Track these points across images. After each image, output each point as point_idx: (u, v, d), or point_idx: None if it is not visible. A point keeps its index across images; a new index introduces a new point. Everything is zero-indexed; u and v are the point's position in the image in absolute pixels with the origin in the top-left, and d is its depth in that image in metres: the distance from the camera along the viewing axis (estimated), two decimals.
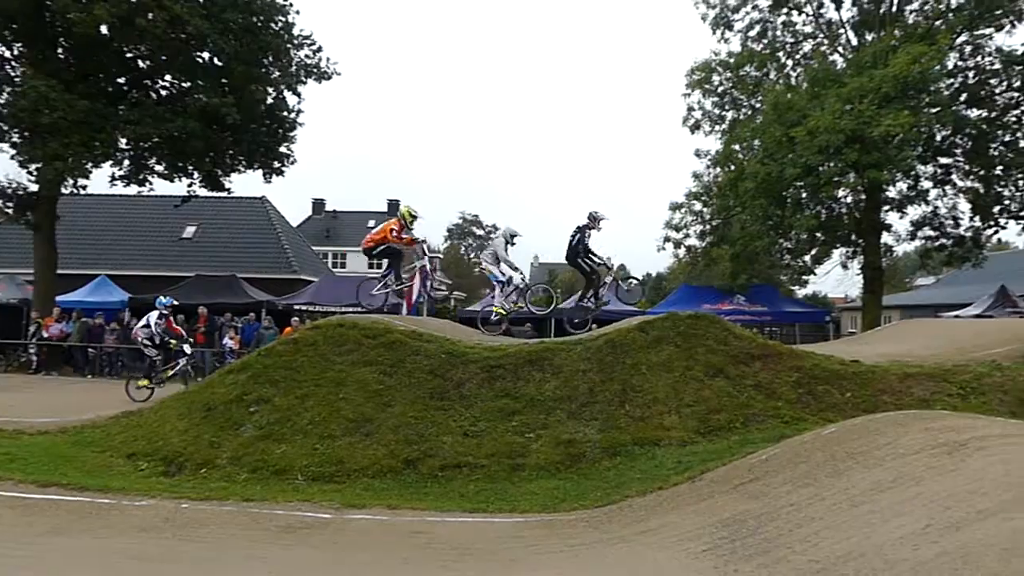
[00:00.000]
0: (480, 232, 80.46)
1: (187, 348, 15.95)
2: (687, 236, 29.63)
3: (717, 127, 29.76)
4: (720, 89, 29.19)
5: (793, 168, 22.23)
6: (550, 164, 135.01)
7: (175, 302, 16.55)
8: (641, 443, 9.28)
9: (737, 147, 27.16)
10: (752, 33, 28.42)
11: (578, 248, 13.08)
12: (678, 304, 25.75)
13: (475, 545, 6.52)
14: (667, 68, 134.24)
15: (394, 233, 12.97)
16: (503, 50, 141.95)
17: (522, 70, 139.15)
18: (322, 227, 58.07)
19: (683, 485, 7.55)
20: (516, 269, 13.78)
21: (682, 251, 30.24)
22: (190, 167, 24.56)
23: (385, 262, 13.53)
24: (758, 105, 27.63)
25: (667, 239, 29.56)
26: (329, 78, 25.65)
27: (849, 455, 6.28)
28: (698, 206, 29.39)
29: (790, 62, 28.57)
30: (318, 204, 61.32)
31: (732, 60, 28.19)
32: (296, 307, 25.22)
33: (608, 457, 9.15)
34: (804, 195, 23.95)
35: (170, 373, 15.66)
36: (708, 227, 29.45)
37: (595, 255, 13.33)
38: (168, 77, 23.86)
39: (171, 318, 16.28)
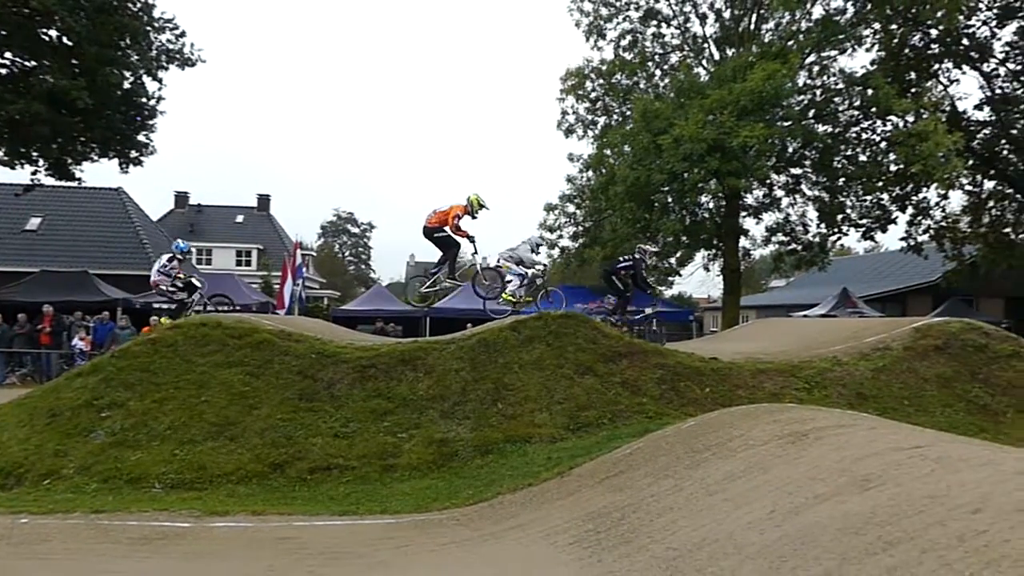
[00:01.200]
0: (355, 230, 78.93)
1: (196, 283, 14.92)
2: (561, 237, 30.40)
3: (590, 132, 30.72)
4: (593, 95, 30.13)
5: (660, 174, 23.27)
6: (427, 164, 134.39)
7: (191, 249, 15.54)
8: (513, 441, 9.42)
9: (608, 152, 28.13)
10: (624, 43, 29.55)
11: (623, 271, 14.74)
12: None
13: (344, 548, 6.41)
14: (546, 72, 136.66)
15: (457, 219, 12.39)
16: (381, 49, 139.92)
17: (400, 70, 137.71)
18: (185, 221, 55.15)
19: (552, 481, 7.72)
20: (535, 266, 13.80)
21: (556, 252, 30.97)
22: (34, 153, 22.68)
23: (439, 255, 13.04)
24: (628, 112, 28.70)
25: (542, 239, 30.14)
26: (193, 65, 24.45)
27: (706, 447, 6.64)
28: (571, 208, 30.22)
29: (659, 72, 29.89)
30: (181, 197, 58.17)
31: (604, 68, 29.17)
32: (156, 305, 23.85)
33: (480, 455, 9.23)
34: (670, 200, 25.12)
35: (191, 313, 14.36)
36: (581, 229, 30.31)
37: (646, 283, 14.97)
38: (8, 55, 21.94)
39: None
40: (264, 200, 59.86)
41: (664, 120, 23.95)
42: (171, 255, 14.59)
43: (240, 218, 57.55)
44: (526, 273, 13.43)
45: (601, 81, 29.62)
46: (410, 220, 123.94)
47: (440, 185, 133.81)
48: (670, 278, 33.69)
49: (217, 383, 9.86)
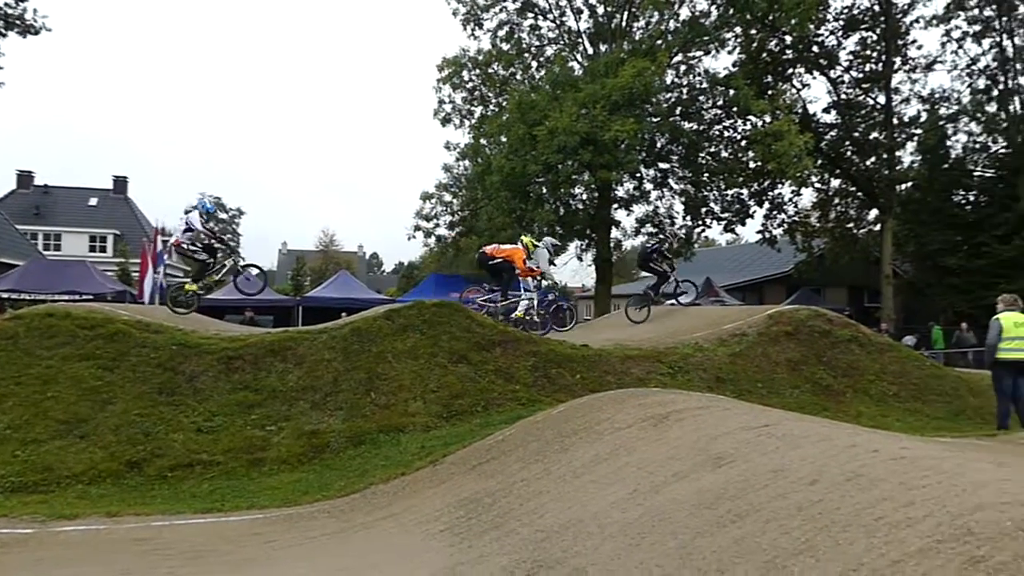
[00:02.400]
0: (223, 215, 75.44)
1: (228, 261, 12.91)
2: (437, 226, 30.33)
3: (467, 121, 30.74)
4: (470, 85, 30.16)
5: (535, 165, 23.63)
6: (302, 149, 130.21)
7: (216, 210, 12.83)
8: (386, 430, 9.34)
9: (485, 142, 28.26)
10: (501, 33, 29.74)
11: (651, 256, 15.70)
12: (428, 293, 26.24)
13: (207, 547, 6.16)
14: (424, 59, 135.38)
15: (524, 263, 13.58)
16: (253, 28, 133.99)
17: (274, 51, 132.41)
18: (30, 203, 50.79)
19: (425, 469, 7.73)
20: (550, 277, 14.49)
21: (432, 240, 30.88)
22: None
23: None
24: (505, 103, 28.94)
25: (418, 228, 30.03)
26: (36, 33, 22.54)
27: (574, 431, 6.84)
28: (448, 197, 30.20)
29: (535, 64, 30.29)
30: (25, 177, 53.39)
31: (481, 58, 29.25)
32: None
33: (353, 446, 9.10)
34: (545, 191, 25.58)
35: (216, 277, 13.25)
36: (457, 218, 30.34)
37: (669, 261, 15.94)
38: None
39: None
40: (121, 182, 55.97)
41: (539, 112, 24.32)
42: (199, 212, 12.63)
43: (94, 201, 53.60)
44: (542, 290, 14.32)
45: (478, 71, 29.72)
46: (283, 206, 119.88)
47: (315, 172, 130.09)
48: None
49: (66, 378, 9.19)
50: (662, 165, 28.51)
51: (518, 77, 29.95)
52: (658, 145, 27.30)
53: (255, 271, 14.03)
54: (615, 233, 29.90)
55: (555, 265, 14.58)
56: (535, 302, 14.04)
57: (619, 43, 27.45)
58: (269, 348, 10.31)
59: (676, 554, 3.96)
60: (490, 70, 29.31)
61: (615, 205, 28.72)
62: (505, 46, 29.49)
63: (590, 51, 29.27)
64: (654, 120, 25.48)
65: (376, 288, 45.99)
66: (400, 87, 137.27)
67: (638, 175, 27.69)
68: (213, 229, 12.71)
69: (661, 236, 16.11)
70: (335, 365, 10.17)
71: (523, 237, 14.30)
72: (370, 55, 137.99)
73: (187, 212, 13.20)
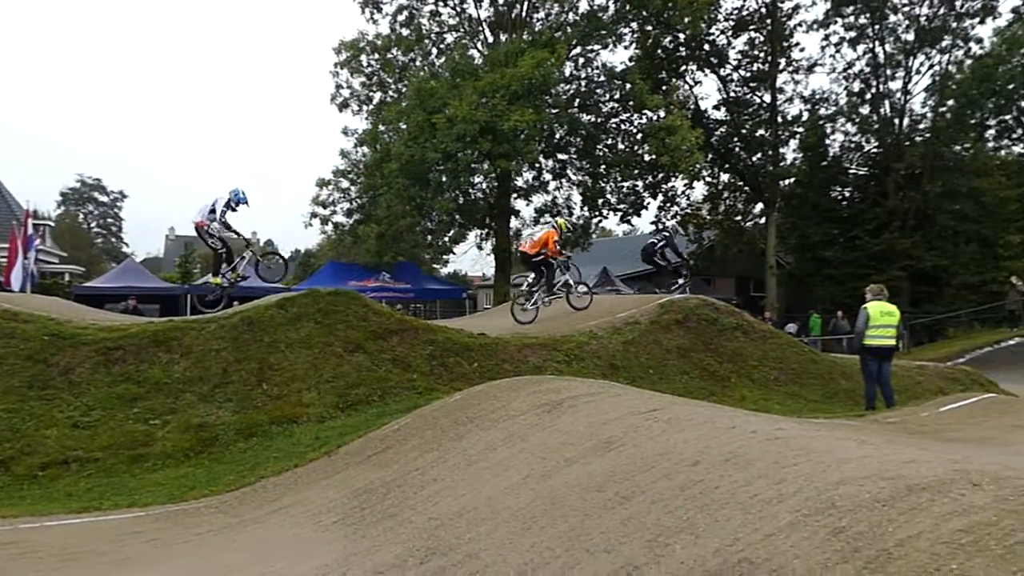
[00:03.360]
0: (103, 198, 71.22)
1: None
2: (334, 213, 29.72)
3: (365, 107, 30.20)
4: (368, 70, 29.62)
5: (434, 153, 23.48)
6: (191, 131, 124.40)
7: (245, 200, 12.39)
8: (279, 422, 9.12)
9: (383, 128, 27.85)
10: (400, 18, 29.34)
11: (658, 249, 15.84)
12: (325, 281, 25.69)
13: (82, 548, 5.83)
14: (319, 42, 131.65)
15: (556, 244, 13.83)
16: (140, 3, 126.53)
17: (160, 29, 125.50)
18: None
19: (319, 460, 7.60)
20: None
21: (329, 228, 30.25)
22: None
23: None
24: (404, 89, 28.59)
25: (314, 215, 29.35)
26: None
27: (470, 419, 6.88)
28: (345, 184, 29.63)
29: (435, 51, 30.06)
30: None
31: (380, 42, 28.77)
32: None
33: (243, 439, 8.84)
34: (444, 179, 25.45)
35: (239, 271, 12.71)
36: (355, 205, 29.82)
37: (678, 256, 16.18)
38: None
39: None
40: None
41: (439, 99, 24.17)
42: (228, 200, 12.14)
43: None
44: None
45: (377, 56, 29.20)
46: (170, 191, 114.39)
47: (204, 155, 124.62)
48: (444, 256, 34.25)
49: None
50: (561, 156, 28.90)
51: (418, 63, 29.64)
52: (557, 136, 27.64)
53: (277, 259, 14.33)
54: (514, 223, 30.17)
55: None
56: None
57: (519, 33, 27.60)
58: (153, 338, 9.84)
59: (566, 536, 4.06)
60: (389, 55, 28.86)
61: (514, 195, 28.94)
62: (404, 31, 29.11)
63: (490, 40, 29.29)
64: (553, 111, 25.79)
65: None
66: (296, 69, 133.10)
67: (537, 165, 27.99)
68: (227, 222, 12.21)
69: (667, 233, 16.29)
70: (224, 355, 9.83)
71: (558, 219, 14.97)
72: (263, 35, 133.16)
73: (216, 199, 12.47)
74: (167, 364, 9.56)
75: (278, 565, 5.03)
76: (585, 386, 7.04)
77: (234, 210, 12.26)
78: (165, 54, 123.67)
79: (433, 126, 23.66)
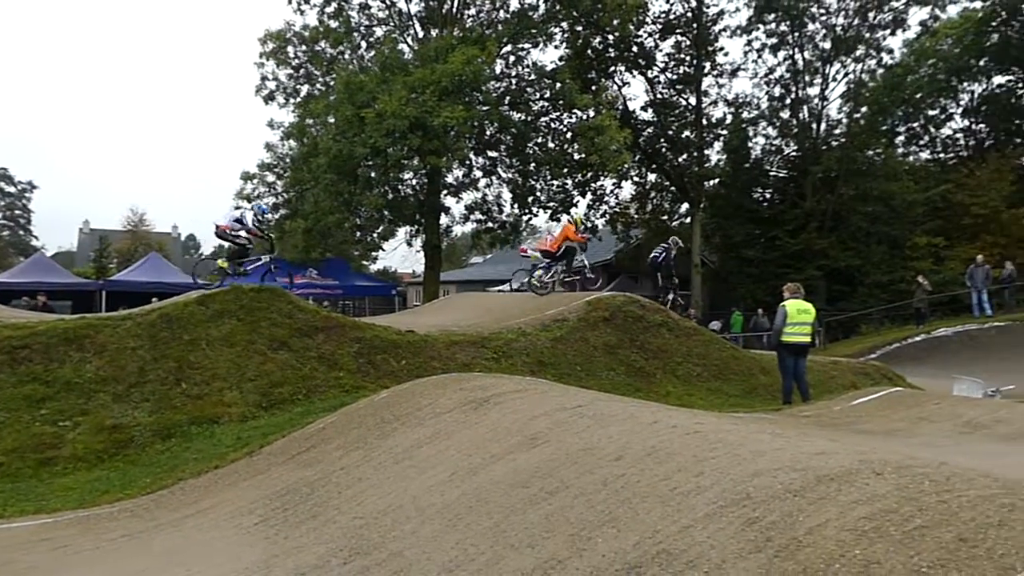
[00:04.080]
0: (10, 189, 67.54)
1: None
2: None
3: (292, 100, 29.58)
4: (296, 62, 29.01)
5: (363, 148, 23.15)
6: (107, 121, 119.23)
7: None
8: (199, 422, 8.86)
9: (311, 122, 27.31)
10: (329, 9, 28.81)
11: (660, 262, 16.53)
12: (249, 277, 25.01)
13: None
14: (243, 31, 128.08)
15: (577, 233, 15.49)
16: None
17: (67, 13, 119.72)
18: None
19: (241, 461, 7.42)
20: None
21: None
22: None
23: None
24: (332, 82, 28.11)
25: (238, 209, 28.57)
26: None
27: (396, 417, 6.83)
28: (271, 178, 28.97)
29: (364, 44, 29.62)
30: None
31: (308, 34, 28.20)
32: None
33: (161, 440, 8.55)
34: (373, 175, 25.13)
35: (249, 268, 13.34)
36: (281, 200, 29.18)
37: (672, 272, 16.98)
38: None
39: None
40: None
41: (368, 94, 23.83)
42: (255, 215, 13.22)
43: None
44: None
45: (304, 48, 28.61)
46: (84, 183, 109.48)
47: (122, 146, 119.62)
48: (373, 253, 33.87)
49: None
50: (491, 153, 28.91)
51: (346, 56, 29.14)
52: (487, 133, 27.63)
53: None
54: (444, 219, 30.04)
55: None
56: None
57: (450, 29, 27.46)
58: (63, 336, 9.41)
59: (491, 532, 4.08)
60: (317, 48, 28.30)
61: (444, 191, 28.81)
62: (333, 23, 28.57)
63: (421, 35, 29.06)
64: (483, 108, 25.76)
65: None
66: (219, 59, 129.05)
67: (468, 162, 27.93)
68: (262, 229, 13.42)
69: (667, 245, 17.13)
70: (141, 354, 9.48)
71: (575, 215, 16.40)
72: (184, 23, 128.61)
73: (242, 209, 13.88)
74: (79, 363, 9.16)
75: (195, 569, 4.89)
76: (512, 383, 7.07)
77: (260, 221, 13.35)
78: (79, 40, 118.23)
79: (362, 120, 23.31)
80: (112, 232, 47.47)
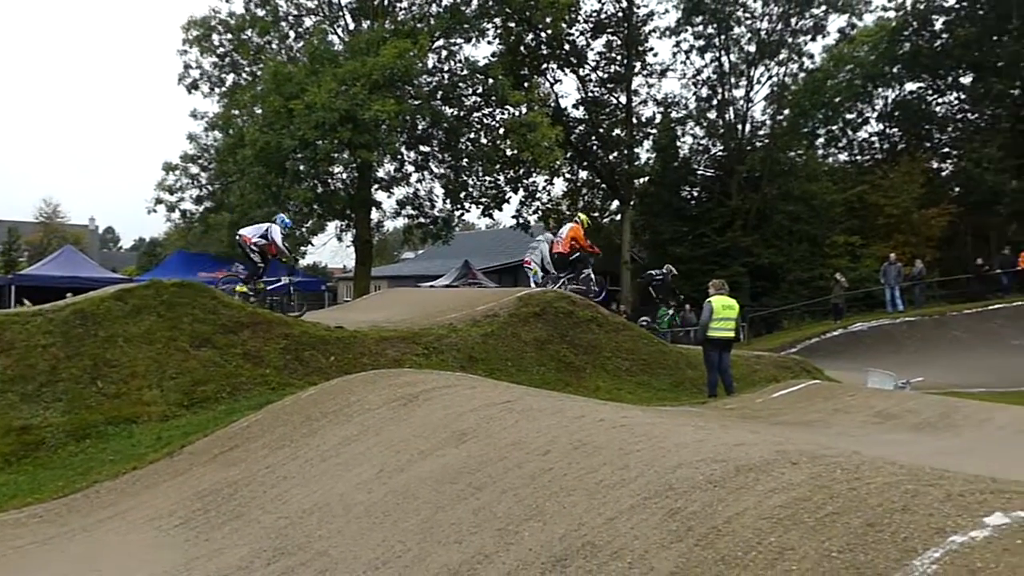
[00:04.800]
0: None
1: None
2: (182, 200, 28.11)
3: (217, 89, 28.74)
4: (220, 50, 28.18)
5: (291, 140, 22.65)
6: (13, 110, 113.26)
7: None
8: (116, 422, 8.52)
9: (237, 112, 26.57)
10: None
11: (659, 283, 18.66)
12: (172, 272, 24.23)
13: None
14: (164, 15, 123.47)
15: (586, 239, 15.47)
16: None
17: None
18: None
19: (161, 462, 7.17)
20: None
21: (177, 215, 28.57)
22: None
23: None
24: (259, 72, 27.41)
25: (159, 201, 27.63)
26: None
27: (323, 414, 6.72)
28: (195, 169, 28.08)
29: (292, 34, 28.96)
30: None
31: (234, 22, 27.42)
32: None
33: (75, 441, 8.19)
34: (302, 168, 24.63)
35: (268, 287, 13.84)
36: (205, 192, 28.34)
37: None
38: None
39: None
40: None
41: (296, 85, 23.30)
42: (280, 230, 13.55)
43: None
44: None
45: (230, 36, 27.77)
46: None
47: (34, 134, 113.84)
48: (303, 247, 33.22)
49: None
50: (423, 148, 28.69)
51: (274, 46, 28.44)
52: (419, 128, 27.40)
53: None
54: (375, 214, 29.69)
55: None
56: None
57: (381, 22, 27.07)
58: None
59: (418, 529, 4.06)
60: (243, 36, 27.50)
61: (375, 186, 28.45)
62: (260, 11, 27.81)
63: (351, 27, 28.57)
64: (415, 103, 25.54)
65: (111, 266, 41.63)
66: (139, 45, 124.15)
67: (399, 157, 27.66)
68: (285, 246, 13.78)
69: (664, 271, 19.01)
70: (53, 351, 9.05)
71: (580, 215, 16.40)
72: (101, 5, 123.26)
73: (269, 223, 13.97)
74: None
75: (109, 575, 4.71)
76: (442, 379, 7.05)
77: (283, 234, 13.80)
78: None
79: (290, 112, 22.78)
80: (22, 224, 45.19)
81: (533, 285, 15.58)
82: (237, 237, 13.48)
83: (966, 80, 34.36)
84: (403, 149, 27.26)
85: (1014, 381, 16.14)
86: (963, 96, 34.83)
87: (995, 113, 32.47)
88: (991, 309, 22.41)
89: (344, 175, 27.58)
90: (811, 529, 2.77)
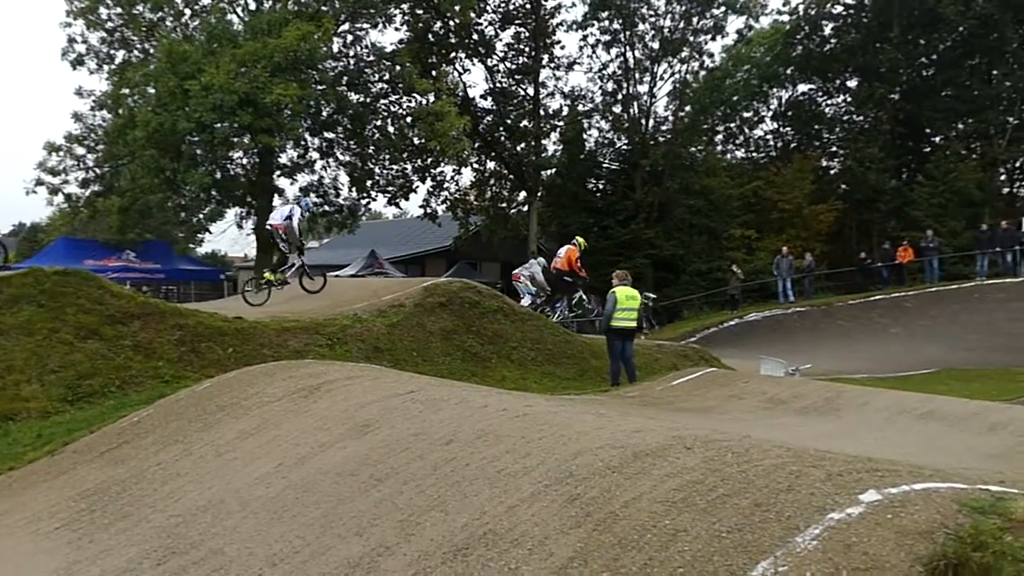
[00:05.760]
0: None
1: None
2: (66, 183, 26.47)
3: (106, 66, 27.16)
4: (109, 25, 26.63)
5: (187, 122, 21.65)
6: None
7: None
8: None
9: (128, 91, 25.17)
10: None
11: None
12: (56, 259, 22.78)
13: None
14: None
15: (578, 262, 16.32)
16: None
17: None
18: None
19: (41, 461, 6.75)
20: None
21: (60, 199, 26.89)
22: None
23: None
24: (152, 50, 26.06)
25: (40, 183, 25.94)
26: None
27: (220, 408, 6.48)
28: (81, 150, 26.48)
29: (188, 11, 27.62)
30: None
31: None
32: None
33: None
34: (199, 152, 23.60)
35: (287, 275, 14.00)
36: (93, 175, 26.78)
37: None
38: None
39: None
40: None
41: (193, 65, 22.23)
42: (303, 210, 14.19)
43: None
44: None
45: (120, 10, 26.22)
46: None
47: None
48: (200, 235, 31.95)
49: None
50: (328, 135, 27.97)
51: (168, 23, 27.04)
52: (324, 114, 26.71)
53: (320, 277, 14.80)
54: (278, 201, 28.80)
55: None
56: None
57: (283, 2, 26.23)
58: None
59: (318, 523, 3.98)
60: (135, 11, 26.02)
61: (278, 172, 27.60)
62: None
63: (252, 6, 27.50)
64: (320, 88, 24.87)
65: None
66: (14, 12, 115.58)
67: (303, 143, 26.91)
68: (302, 228, 14.04)
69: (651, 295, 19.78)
70: None
71: (578, 238, 17.12)
72: None
73: (293, 204, 14.45)
74: None
75: None
76: (345, 370, 6.92)
77: (303, 218, 14.07)
78: None
79: (186, 93, 21.74)
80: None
81: (527, 299, 16.02)
82: (268, 227, 13.96)
83: (852, 83, 36.41)
84: (307, 135, 26.52)
85: (892, 367, 17.27)
86: (849, 99, 36.88)
87: (877, 116, 34.52)
88: (872, 300, 23.81)
89: (244, 160, 26.62)
90: (703, 511, 2.87)
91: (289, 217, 13.53)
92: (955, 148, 32.78)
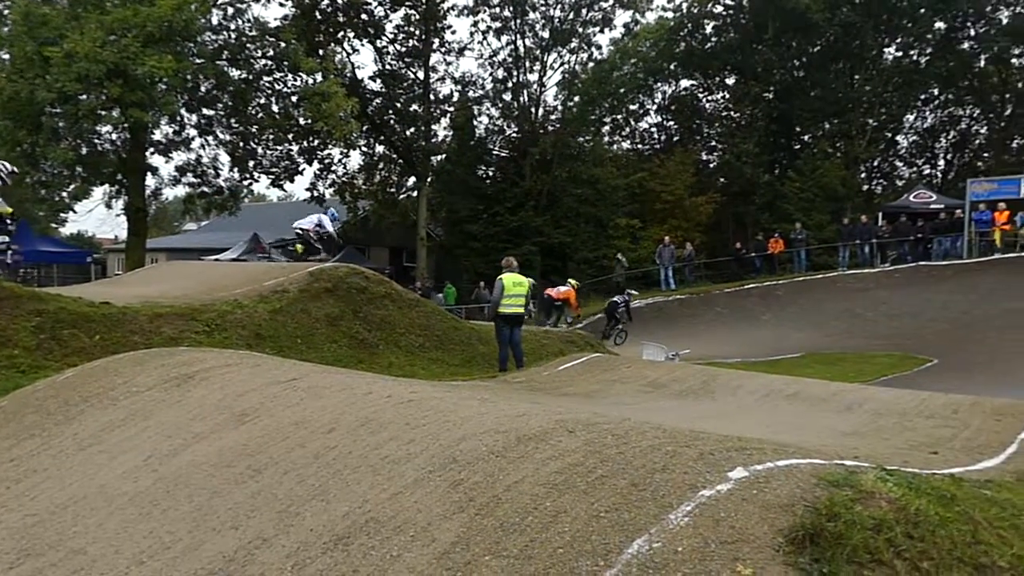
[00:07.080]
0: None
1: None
2: None
3: None
4: None
5: (47, 92, 20.05)
6: None
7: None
8: None
9: None
10: None
11: (620, 307, 20.93)
12: None
13: None
14: None
15: (576, 303, 21.16)
16: None
17: None
18: None
19: None
20: None
21: None
22: None
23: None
24: (7, 11, 23.96)
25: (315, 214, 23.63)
26: None
27: (84, 399, 6.07)
28: None
29: None
30: None
31: None
32: None
33: None
34: (61, 124, 21.94)
35: None
36: None
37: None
38: None
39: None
40: None
41: (54, 30, 20.57)
42: (331, 220, 15.83)
43: None
44: None
45: None
46: None
47: None
48: (63, 214, 29.85)
49: None
50: (207, 111, 26.66)
51: None
52: (202, 89, 25.43)
53: None
54: (152, 180, 27.26)
55: None
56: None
57: None
58: None
59: (191, 517, 3.81)
60: None
61: (151, 149, 26.07)
62: None
63: None
64: (197, 61, 23.62)
65: None
66: None
67: (179, 119, 25.53)
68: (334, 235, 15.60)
69: (626, 296, 21.59)
70: None
71: (571, 280, 21.99)
72: None
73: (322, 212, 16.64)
74: None
75: None
76: (223, 357, 6.63)
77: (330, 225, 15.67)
78: None
79: (46, 60, 20.09)
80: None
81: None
82: (300, 232, 15.17)
83: (730, 81, 38.11)
84: (183, 111, 25.17)
85: (763, 352, 18.29)
86: (727, 95, 38.61)
87: (753, 113, 36.32)
88: (746, 288, 25.10)
89: (114, 136, 24.95)
90: (583, 492, 2.94)
91: (320, 225, 15.35)
92: (822, 146, 34.98)
